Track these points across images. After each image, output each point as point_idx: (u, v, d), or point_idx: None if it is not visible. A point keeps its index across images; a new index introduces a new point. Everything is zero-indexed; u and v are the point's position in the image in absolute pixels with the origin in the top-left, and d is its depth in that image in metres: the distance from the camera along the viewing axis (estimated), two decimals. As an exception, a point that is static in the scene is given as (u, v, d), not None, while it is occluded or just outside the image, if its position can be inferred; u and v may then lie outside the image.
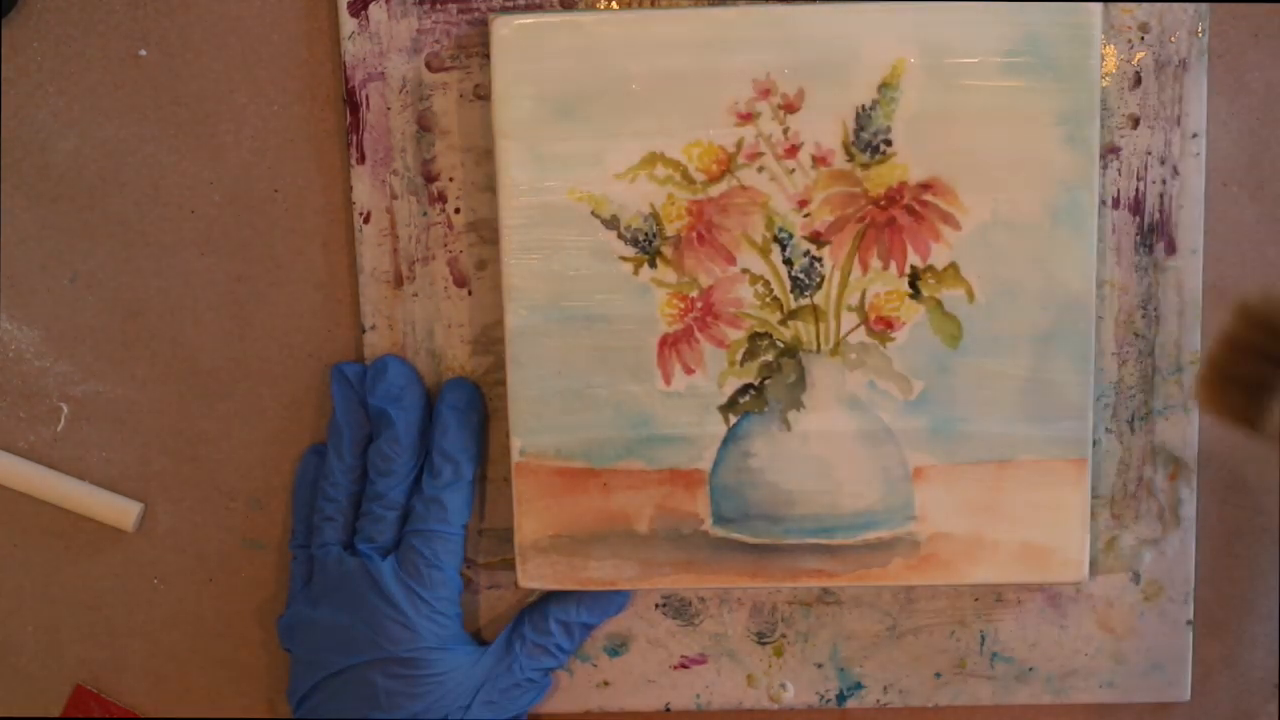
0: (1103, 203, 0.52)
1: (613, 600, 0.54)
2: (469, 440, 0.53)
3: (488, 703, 0.52)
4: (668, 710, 0.57)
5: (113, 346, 0.55)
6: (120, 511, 0.56)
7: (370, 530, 0.52)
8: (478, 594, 0.56)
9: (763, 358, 0.52)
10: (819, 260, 0.51)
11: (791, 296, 0.51)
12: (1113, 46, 0.52)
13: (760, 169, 0.51)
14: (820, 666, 0.56)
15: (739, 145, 0.50)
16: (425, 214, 0.53)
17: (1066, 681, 0.56)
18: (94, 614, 0.57)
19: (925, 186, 0.50)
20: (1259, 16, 0.52)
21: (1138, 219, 0.53)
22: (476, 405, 0.53)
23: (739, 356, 0.52)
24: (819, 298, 0.51)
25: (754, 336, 0.52)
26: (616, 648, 0.56)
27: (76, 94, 0.54)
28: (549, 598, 0.54)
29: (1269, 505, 0.55)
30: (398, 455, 0.52)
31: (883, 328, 0.51)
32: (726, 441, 0.52)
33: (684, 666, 0.56)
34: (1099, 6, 0.49)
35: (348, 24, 0.52)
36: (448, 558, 0.51)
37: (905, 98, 0.50)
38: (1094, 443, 0.54)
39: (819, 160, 0.50)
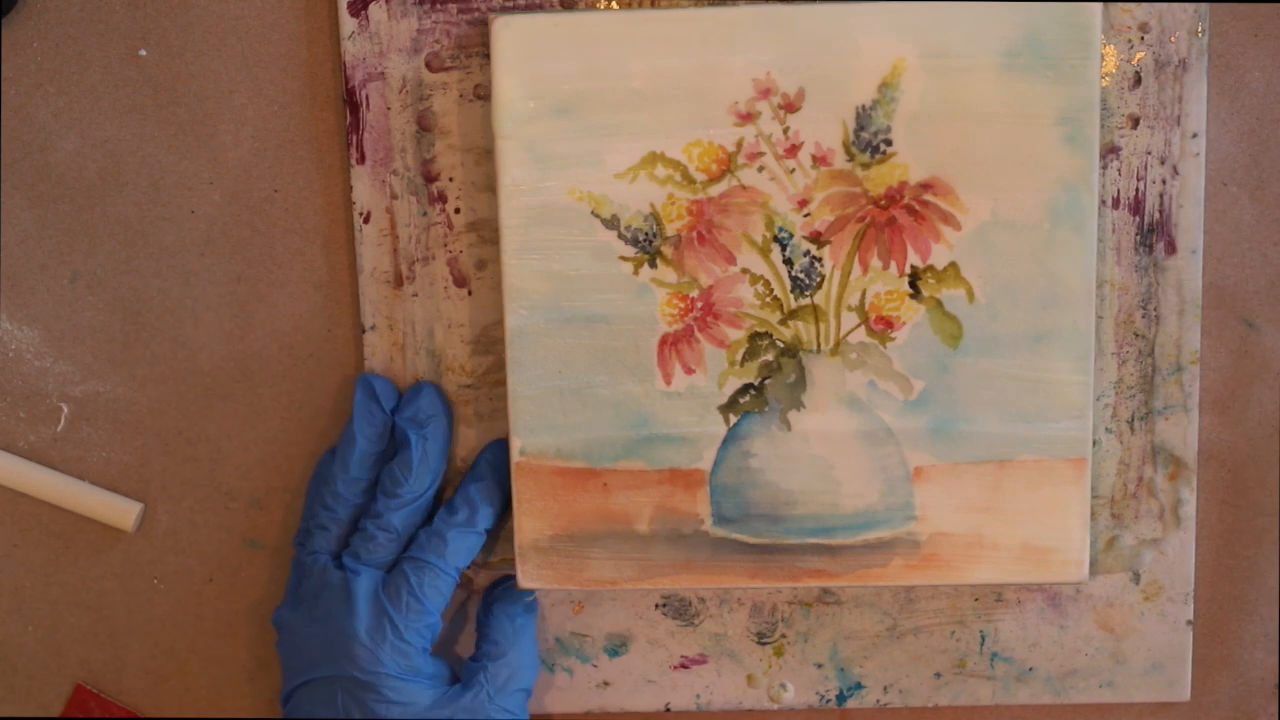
0: (1103, 203, 0.52)
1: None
2: (496, 496, 0.53)
3: None
4: (668, 710, 0.57)
5: (113, 346, 0.55)
6: (120, 511, 0.56)
7: (360, 547, 0.52)
8: (478, 594, 0.56)
9: (763, 358, 0.52)
10: (819, 260, 0.51)
11: (791, 296, 0.51)
12: (1113, 46, 0.52)
13: (760, 169, 0.51)
14: (820, 666, 0.56)
15: (739, 145, 0.50)
16: (425, 214, 0.53)
17: (1066, 681, 0.56)
18: (94, 614, 0.57)
19: (925, 186, 0.50)
20: (1259, 16, 0.52)
21: (1138, 219, 0.53)
22: (503, 469, 0.54)
23: (739, 356, 0.52)
24: (819, 298, 0.51)
25: (754, 336, 0.52)
26: (616, 648, 0.56)
27: (76, 94, 0.54)
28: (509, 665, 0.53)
29: (1269, 505, 0.55)
30: (406, 481, 0.52)
31: (883, 328, 0.51)
32: (727, 441, 0.52)
33: (684, 666, 0.56)
34: (1099, 6, 0.49)
35: (348, 24, 0.52)
36: (432, 594, 0.51)
37: (905, 98, 0.50)
38: (1094, 443, 0.54)
39: (819, 160, 0.50)
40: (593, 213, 0.51)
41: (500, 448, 0.54)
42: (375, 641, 0.50)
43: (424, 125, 0.53)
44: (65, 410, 0.56)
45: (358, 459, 0.52)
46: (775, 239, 0.51)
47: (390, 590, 0.51)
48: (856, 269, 0.51)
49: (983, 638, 0.56)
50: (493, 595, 0.55)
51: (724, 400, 0.52)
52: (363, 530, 0.52)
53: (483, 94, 0.52)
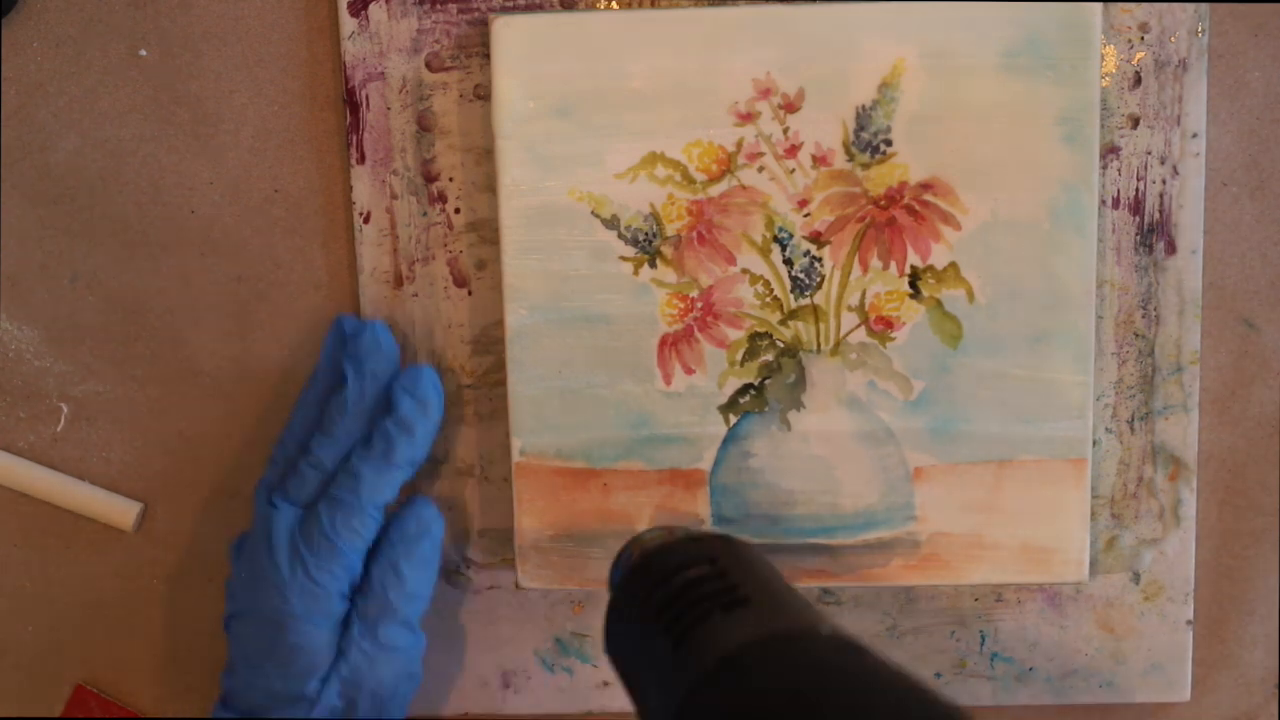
0: (1103, 203, 0.52)
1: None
2: (414, 424, 0.50)
3: (349, 684, 0.50)
4: (668, 710, 0.57)
5: (113, 346, 0.55)
6: (120, 511, 0.56)
7: (290, 484, 0.51)
8: (478, 594, 0.56)
9: (763, 358, 0.52)
10: (819, 260, 0.51)
11: (791, 296, 0.51)
12: (1113, 46, 0.52)
13: (760, 169, 0.51)
14: (820, 666, 0.56)
15: (739, 145, 0.50)
16: (425, 214, 0.53)
17: (1066, 681, 0.56)
18: (94, 614, 0.57)
19: (925, 186, 0.50)
20: (1259, 16, 0.52)
21: (1138, 219, 0.53)
22: (432, 394, 0.51)
23: (739, 356, 0.52)
24: (819, 298, 0.51)
25: (754, 336, 0.52)
26: (616, 648, 0.56)
27: (76, 94, 0.54)
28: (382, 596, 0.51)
29: (1269, 505, 0.55)
30: (340, 419, 0.51)
31: (883, 328, 0.51)
32: (726, 441, 0.52)
33: (684, 666, 0.56)
34: (1099, 6, 0.49)
35: (348, 24, 0.52)
36: (345, 533, 0.49)
37: (905, 98, 0.50)
38: (1094, 443, 0.54)
39: (819, 160, 0.50)
40: (593, 213, 0.51)
41: (411, 376, 0.51)
42: (287, 580, 0.49)
43: (424, 125, 0.53)
44: (65, 410, 0.56)
45: (315, 398, 0.52)
46: (775, 239, 0.51)
47: (305, 529, 0.50)
48: (856, 269, 0.51)
49: (983, 638, 0.56)
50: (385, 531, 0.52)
51: (724, 400, 0.52)
52: (294, 467, 0.51)
53: (483, 94, 0.52)
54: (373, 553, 0.51)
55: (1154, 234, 0.53)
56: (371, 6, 0.52)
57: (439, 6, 0.52)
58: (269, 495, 0.51)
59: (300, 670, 0.49)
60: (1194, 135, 0.52)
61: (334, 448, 0.51)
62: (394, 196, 0.53)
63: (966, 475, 0.52)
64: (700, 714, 0.36)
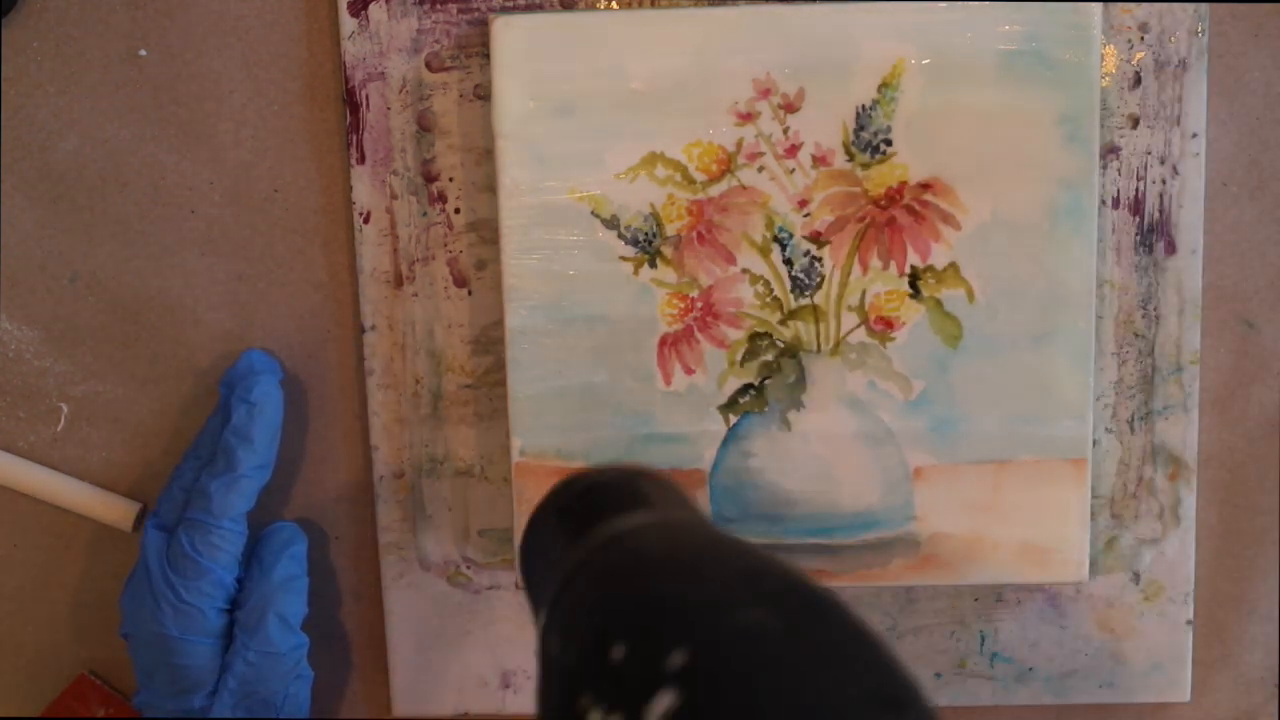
0: (1103, 203, 0.52)
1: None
2: (250, 431, 0.51)
3: (238, 694, 0.51)
4: (668, 710, 0.57)
5: (113, 346, 0.55)
6: (120, 511, 0.56)
7: (162, 507, 0.52)
8: (478, 594, 0.56)
9: (763, 358, 0.52)
10: (819, 260, 0.51)
11: (791, 296, 0.51)
12: (1113, 46, 0.52)
13: (760, 169, 0.51)
14: (820, 666, 0.56)
15: (739, 145, 0.50)
16: (425, 214, 0.53)
17: (1066, 681, 0.56)
18: (94, 614, 0.57)
19: (925, 186, 0.50)
20: (1259, 16, 0.52)
21: (1138, 219, 0.53)
22: (264, 396, 0.52)
23: (739, 356, 0.52)
24: (819, 298, 0.51)
25: (754, 336, 0.52)
26: (616, 648, 0.56)
27: (76, 94, 0.54)
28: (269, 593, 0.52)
29: (1269, 505, 0.55)
30: (199, 442, 0.52)
31: (883, 328, 0.51)
32: (726, 441, 0.52)
33: (684, 666, 0.56)
34: (1099, 6, 0.49)
35: (348, 24, 0.52)
36: (208, 550, 0.50)
37: (905, 98, 0.50)
38: (1094, 443, 0.54)
39: (819, 160, 0.50)
40: (593, 213, 0.51)
41: (243, 377, 0.52)
42: (161, 604, 0.50)
43: (424, 125, 0.53)
44: (65, 410, 0.56)
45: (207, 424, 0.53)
46: (775, 239, 0.51)
47: (171, 552, 0.51)
48: (856, 269, 0.51)
49: (983, 638, 0.56)
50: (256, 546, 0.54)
51: (724, 400, 0.52)
52: (166, 491, 0.52)
53: (483, 94, 0.52)
54: (245, 564, 0.52)
55: (1154, 234, 0.53)
56: (371, 6, 0.52)
57: (439, 6, 0.52)
58: (150, 520, 0.52)
59: (187, 687, 0.50)
60: (1194, 135, 0.52)
61: (199, 466, 0.52)
62: (394, 196, 0.53)
63: (966, 475, 0.52)
64: (582, 580, 0.37)
